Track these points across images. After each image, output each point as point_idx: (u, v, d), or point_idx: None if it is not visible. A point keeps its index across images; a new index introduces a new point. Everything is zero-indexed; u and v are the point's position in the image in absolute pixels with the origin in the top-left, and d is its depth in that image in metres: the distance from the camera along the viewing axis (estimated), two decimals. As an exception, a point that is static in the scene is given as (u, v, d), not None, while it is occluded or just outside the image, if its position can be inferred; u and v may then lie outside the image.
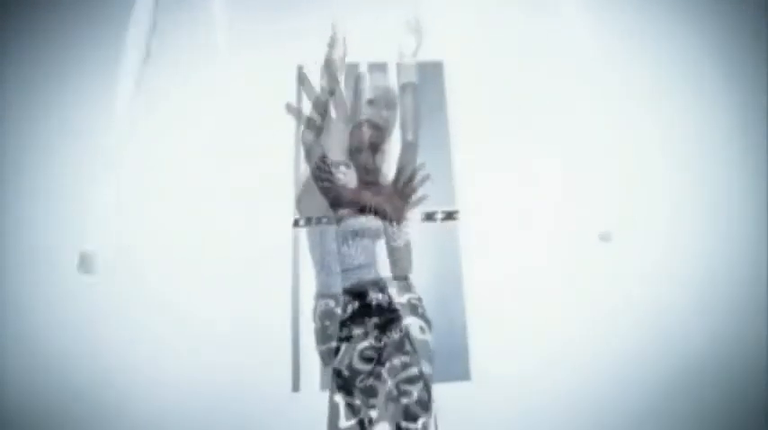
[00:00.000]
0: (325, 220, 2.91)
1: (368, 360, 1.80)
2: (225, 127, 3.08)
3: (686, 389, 2.78)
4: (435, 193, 2.58)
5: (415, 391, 1.71)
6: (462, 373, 2.88)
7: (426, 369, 1.76)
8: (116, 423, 2.71)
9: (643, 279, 2.89)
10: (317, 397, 2.60)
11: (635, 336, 2.84)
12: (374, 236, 1.96)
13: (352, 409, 1.77)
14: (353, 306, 1.92)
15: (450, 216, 3.02)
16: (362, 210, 1.97)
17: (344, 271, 1.98)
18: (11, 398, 2.70)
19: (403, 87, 1.93)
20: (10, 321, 2.79)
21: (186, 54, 3.14)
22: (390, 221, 1.95)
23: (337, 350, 1.90)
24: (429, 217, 2.97)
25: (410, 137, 1.96)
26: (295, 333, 2.88)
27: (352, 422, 1.77)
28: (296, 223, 3.04)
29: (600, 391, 2.78)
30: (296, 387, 2.81)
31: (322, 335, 2.43)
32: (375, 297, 1.90)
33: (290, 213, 3.05)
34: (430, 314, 2.26)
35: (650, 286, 2.88)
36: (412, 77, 1.88)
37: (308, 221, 3.00)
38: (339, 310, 2.00)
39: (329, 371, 1.99)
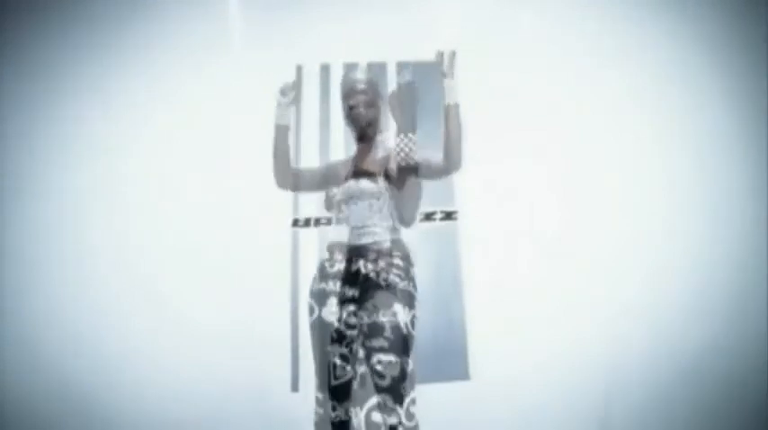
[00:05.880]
0: (324, 221, 2.92)
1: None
2: (225, 127, 3.08)
3: (686, 389, 2.78)
4: (434, 194, 2.57)
5: (388, 378, 1.71)
6: (461, 373, 2.89)
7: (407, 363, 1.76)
8: (116, 423, 2.72)
9: (643, 279, 2.89)
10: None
11: (634, 336, 2.83)
12: (370, 198, 1.93)
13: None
14: (341, 266, 1.93)
15: (449, 216, 3.02)
16: (359, 173, 1.96)
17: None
18: (11, 397, 2.71)
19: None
20: (10, 321, 2.81)
21: (187, 54, 3.14)
22: (392, 181, 1.94)
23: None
24: (428, 217, 2.97)
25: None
26: (294, 333, 2.88)
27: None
28: (295, 223, 3.04)
29: (598, 391, 2.78)
30: (295, 387, 2.82)
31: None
32: (362, 264, 1.89)
33: (290, 213, 3.05)
34: (429, 314, 2.26)
35: (650, 287, 2.88)
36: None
37: (308, 221, 3.01)
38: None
39: None
